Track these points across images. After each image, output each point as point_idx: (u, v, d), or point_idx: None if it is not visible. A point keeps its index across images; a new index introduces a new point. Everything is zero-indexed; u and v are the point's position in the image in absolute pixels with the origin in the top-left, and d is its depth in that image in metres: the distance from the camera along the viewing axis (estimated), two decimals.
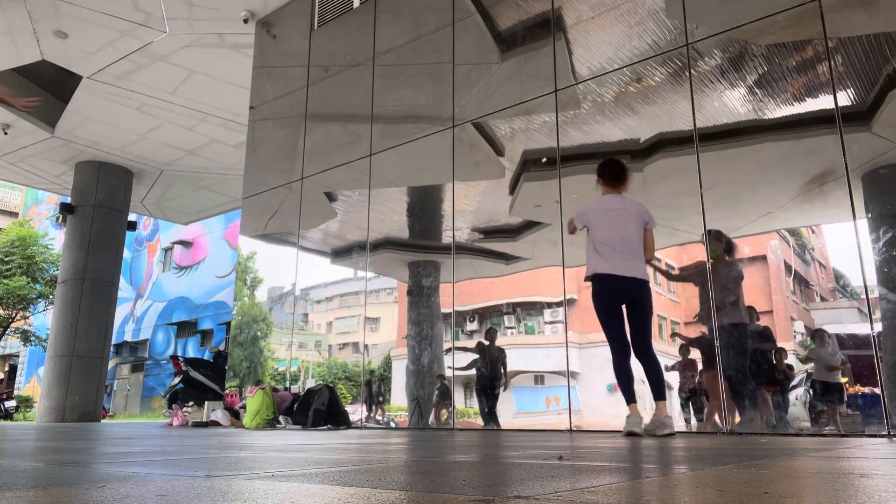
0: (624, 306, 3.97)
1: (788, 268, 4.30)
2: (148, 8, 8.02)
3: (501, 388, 5.51)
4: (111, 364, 20.88)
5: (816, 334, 4.08)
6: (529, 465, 1.73)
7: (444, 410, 5.94)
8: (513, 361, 5.57)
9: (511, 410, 5.45)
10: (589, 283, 4.09)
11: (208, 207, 14.67)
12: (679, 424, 4.51)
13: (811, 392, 4.03)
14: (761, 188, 4.38)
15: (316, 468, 1.61)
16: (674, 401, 4.57)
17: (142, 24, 8.34)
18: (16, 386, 25.28)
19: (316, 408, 6.03)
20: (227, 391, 7.94)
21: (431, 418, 5.95)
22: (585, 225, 4.13)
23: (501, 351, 5.59)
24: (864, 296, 3.88)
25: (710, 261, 4.48)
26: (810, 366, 4.08)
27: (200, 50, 8.86)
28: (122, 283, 21.56)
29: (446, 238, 6.09)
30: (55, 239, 21.18)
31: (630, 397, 3.84)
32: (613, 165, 4.25)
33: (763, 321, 4.35)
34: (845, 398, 3.91)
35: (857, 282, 3.96)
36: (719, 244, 4.50)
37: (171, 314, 23.15)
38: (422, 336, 6.11)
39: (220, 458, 2.05)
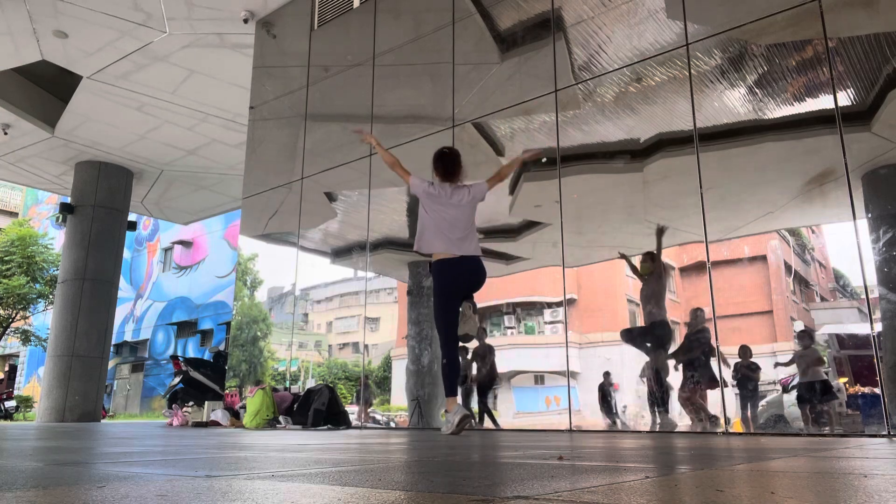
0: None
1: (788, 268, 4.30)
2: (148, 8, 8.01)
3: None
4: (111, 364, 20.88)
5: (799, 336, 4.10)
6: (529, 465, 1.73)
7: (367, 411, 6.16)
8: (513, 361, 5.57)
9: (511, 410, 5.45)
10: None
11: (208, 207, 14.67)
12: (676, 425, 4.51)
13: (800, 394, 4.04)
14: (761, 188, 4.38)
15: (316, 468, 1.61)
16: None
17: (142, 24, 8.34)
18: (16, 386, 25.28)
19: (316, 408, 6.03)
20: (227, 391, 7.94)
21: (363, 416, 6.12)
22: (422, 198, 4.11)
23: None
24: (864, 296, 3.88)
25: (645, 276, 4.73)
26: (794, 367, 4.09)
27: (200, 50, 8.86)
28: (122, 283, 21.54)
29: None
30: (55, 239, 21.17)
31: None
32: (445, 159, 4.29)
33: (762, 321, 4.35)
34: (843, 398, 3.91)
35: (857, 282, 3.96)
36: (653, 263, 4.72)
37: (171, 314, 23.16)
38: (422, 336, 6.11)
39: (220, 458, 2.05)
